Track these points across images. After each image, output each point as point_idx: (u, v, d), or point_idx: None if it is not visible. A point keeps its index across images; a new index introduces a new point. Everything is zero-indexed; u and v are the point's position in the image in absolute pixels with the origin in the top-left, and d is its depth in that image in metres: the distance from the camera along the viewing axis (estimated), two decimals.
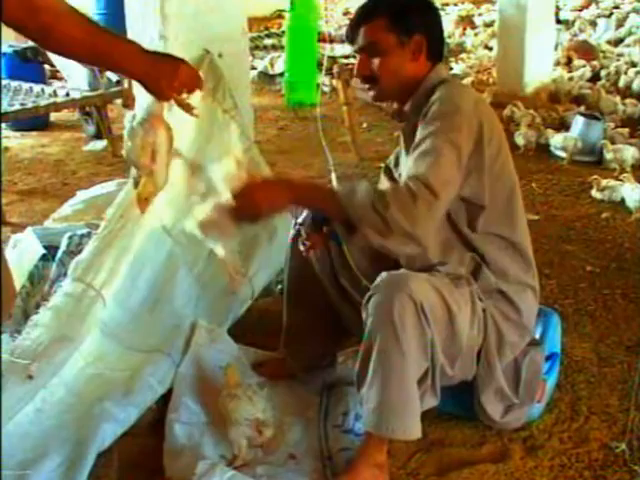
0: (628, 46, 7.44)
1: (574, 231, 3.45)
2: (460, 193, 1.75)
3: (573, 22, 9.22)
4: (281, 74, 6.45)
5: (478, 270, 1.84)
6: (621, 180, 3.73)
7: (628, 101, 5.41)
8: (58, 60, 5.08)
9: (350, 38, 1.91)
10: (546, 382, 2.04)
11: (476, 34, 8.98)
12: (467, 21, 9.80)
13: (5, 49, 5.15)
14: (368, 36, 1.84)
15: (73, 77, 4.82)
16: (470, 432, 2.00)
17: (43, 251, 2.52)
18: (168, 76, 1.57)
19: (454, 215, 1.81)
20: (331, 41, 5.39)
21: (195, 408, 2.01)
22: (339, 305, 2.08)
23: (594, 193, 3.81)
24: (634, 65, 6.55)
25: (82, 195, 3.29)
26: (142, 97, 1.73)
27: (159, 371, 2.08)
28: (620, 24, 8.87)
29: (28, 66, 5.13)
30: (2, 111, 3.19)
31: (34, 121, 5.22)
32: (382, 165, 2.19)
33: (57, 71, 5.75)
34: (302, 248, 1.99)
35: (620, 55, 7.11)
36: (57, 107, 3.72)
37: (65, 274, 2.18)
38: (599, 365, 2.31)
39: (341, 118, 4.83)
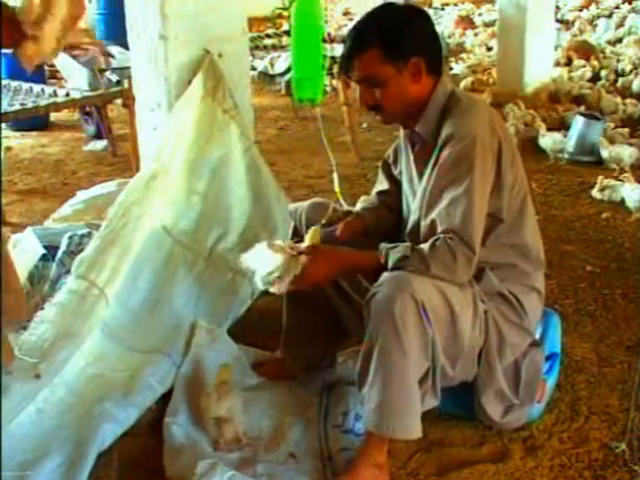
0: (628, 46, 7.44)
1: (574, 231, 3.45)
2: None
3: (573, 22, 9.23)
4: (281, 74, 6.45)
5: (481, 273, 1.84)
6: (621, 180, 3.73)
7: (628, 101, 5.41)
8: (58, 60, 5.08)
9: (345, 70, 1.87)
10: (546, 382, 2.04)
11: (476, 34, 8.98)
12: (467, 21, 9.80)
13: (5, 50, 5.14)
14: (364, 70, 1.80)
15: (73, 77, 4.82)
16: (470, 432, 2.00)
17: (43, 251, 2.52)
18: None
19: None
20: (331, 41, 5.39)
21: (193, 410, 2.01)
22: (339, 306, 2.08)
23: (594, 193, 3.81)
24: (635, 66, 6.56)
25: (82, 195, 3.29)
26: None
27: (159, 371, 2.08)
28: (620, 24, 8.88)
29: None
30: (2, 111, 3.18)
31: (34, 121, 5.22)
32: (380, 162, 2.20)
33: (57, 71, 5.74)
34: (339, 233, 2.01)
35: (618, 54, 7.11)
36: (57, 107, 3.71)
37: (65, 274, 2.18)
38: (599, 365, 2.31)
39: (341, 118, 4.83)
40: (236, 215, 2.57)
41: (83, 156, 4.97)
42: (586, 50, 7.12)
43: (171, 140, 2.37)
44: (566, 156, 4.49)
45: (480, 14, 10.69)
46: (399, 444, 1.87)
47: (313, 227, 1.92)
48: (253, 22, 8.27)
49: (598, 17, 9.68)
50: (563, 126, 5.01)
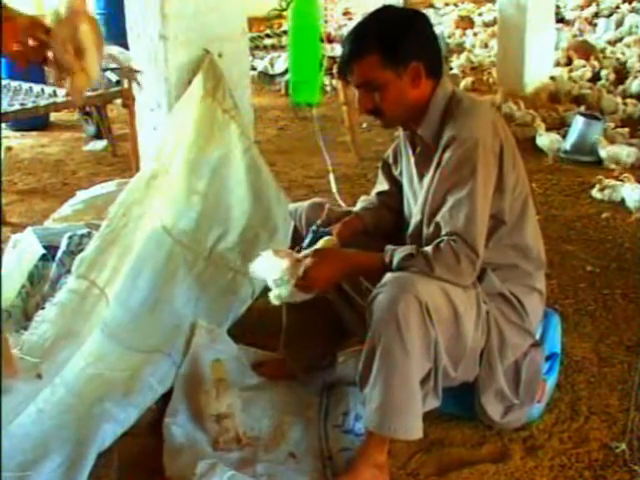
0: (629, 46, 7.44)
1: (574, 231, 3.45)
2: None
3: (573, 22, 9.24)
4: (281, 74, 6.45)
5: (482, 274, 1.84)
6: (621, 180, 3.73)
7: (628, 101, 5.41)
8: None
9: (344, 74, 1.86)
10: (546, 382, 2.04)
11: (475, 34, 8.98)
12: (467, 21, 9.80)
13: None
14: (363, 75, 1.79)
15: None
16: (470, 432, 2.00)
17: (43, 251, 2.52)
18: None
19: None
20: (331, 41, 5.40)
21: (193, 410, 2.01)
22: (339, 307, 2.08)
23: (594, 193, 3.81)
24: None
25: (82, 195, 3.29)
26: None
27: (159, 371, 2.08)
28: (620, 24, 8.88)
29: (28, 66, 5.13)
30: (2, 111, 3.18)
31: (34, 121, 5.22)
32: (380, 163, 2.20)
33: None
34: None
35: (616, 54, 7.12)
36: (57, 107, 3.70)
37: (65, 274, 2.18)
38: (599, 365, 2.31)
39: (341, 118, 4.83)
40: (236, 215, 2.57)
41: (83, 156, 4.97)
42: (586, 50, 7.12)
43: (171, 140, 2.37)
44: (565, 156, 4.49)
45: (480, 14, 10.68)
46: (399, 444, 1.87)
47: (326, 238, 1.93)
48: (253, 22, 8.27)
49: (598, 17, 9.69)
50: (563, 126, 5.01)
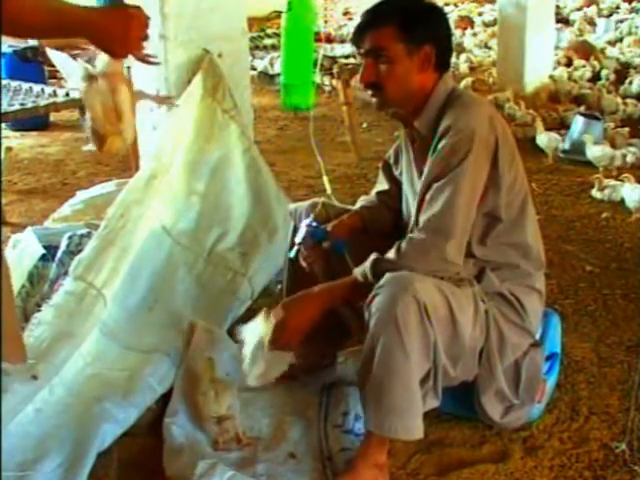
0: (629, 46, 7.45)
1: (574, 231, 3.45)
2: (481, 210, 1.78)
3: (573, 22, 9.24)
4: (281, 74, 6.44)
5: (482, 273, 1.84)
6: (621, 180, 3.73)
7: (628, 101, 5.42)
8: (58, 60, 5.07)
9: (356, 41, 1.86)
10: (546, 382, 2.04)
11: (475, 34, 8.98)
12: (467, 21, 9.80)
13: (5, 49, 5.14)
14: (376, 42, 1.79)
15: (73, 77, 4.82)
16: (470, 432, 2.00)
17: (43, 251, 2.52)
18: (120, 34, 1.50)
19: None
20: (331, 41, 5.39)
21: (192, 410, 2.00)
22: (339, 307, 2.07)
23: (594, 193, 3.82)
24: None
25: (82, 195, 3.29)
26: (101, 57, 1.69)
27: (159, 371, 2.08)
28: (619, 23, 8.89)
29: (28, 66, 5.13)
30: (2, 111, 3.18)
31: (34, 121, 5.21)
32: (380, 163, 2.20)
33: (57, 71, 5.75)
34: (304, 264, 2.00)
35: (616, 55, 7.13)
36: (57, 107, 3.70)
37: (65, 274, 2.18)
38: (599, 365, 2.31)
39: (341, 118, 4.83)
40: (236, 215, 2.56)
41: (83, 156, 4.96)
42: (586, 50, 7.12)
43: (171, 140, 2.37)
44: (565, 156, 4.49)
45: (479, 14, 10.68)
46: (399, 444, 1.87)
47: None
48: (253, 22, 8.26)
49: (598, 17, 9.69)
50: (563, 126, 5.01)
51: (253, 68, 6.23)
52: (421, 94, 1.82)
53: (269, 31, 8.07)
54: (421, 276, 1.70)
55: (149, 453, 1.91)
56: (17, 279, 2.46)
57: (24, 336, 1.86)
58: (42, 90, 3.62)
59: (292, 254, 2.06)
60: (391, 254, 1.74)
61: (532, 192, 3.85)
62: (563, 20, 9.28)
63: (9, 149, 4.95)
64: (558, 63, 6.82)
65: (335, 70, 4.68)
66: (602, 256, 3.15)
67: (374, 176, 3.97)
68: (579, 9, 10.36)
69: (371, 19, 1.82)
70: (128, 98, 1.65)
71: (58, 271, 2.43)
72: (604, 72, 6.47)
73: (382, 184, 2.15)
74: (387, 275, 1.72)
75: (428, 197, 1.74)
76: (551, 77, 6.15)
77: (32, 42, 5.40)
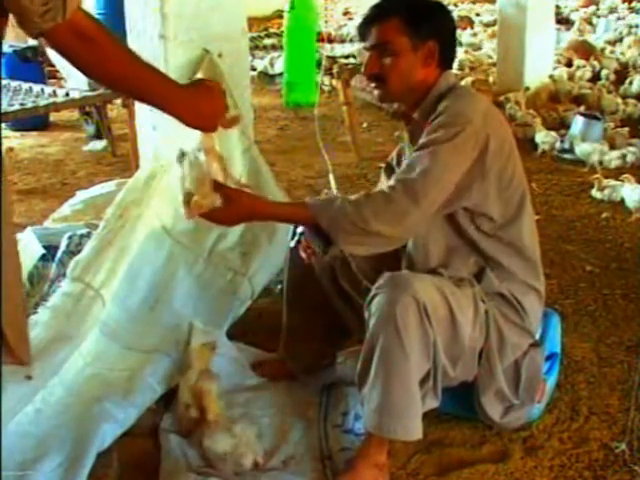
0: (630, 47, 7.44)
1: (574, 231, 3.45)
2: (464, 203, 1.77)
3: (573, 22, 9.24)
4: (281, 74, 6.45)
5: (481, 273, 1.84)
6: (621, 180, 3.74)
7: (628, 101, 5.42)
8: (58, 60, 5.08)
9: (362, 34, 1.87)
10: (546, 382, 2.04)
11: (475, 34, 8.98)
12: (467, 21, 9.81)
13: (5, 49, 5.14)
14: (381, 35, 1.81)
15: (73, 77, 4.82)
16: (470, 432, 2.00)
17: (43, 251, 2.52)
18: (209, 111, 1.53)
19: (462, 222, 1.81)
20: (331, 41, 5.39)
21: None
22: (339, 306, 2.08)
23: (594, 193, 3.82)
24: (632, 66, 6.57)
25: (82, 195, 3.29)
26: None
27: (159, 371, 2.08)
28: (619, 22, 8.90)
29: (28, 66, 5.13)
30: (2, 111, 3.18)
31: (34, 121, 5.22)
32: (382, 165, 2.19)
33: (57, 71, 5.75)
34: (304, 255, 2.00)
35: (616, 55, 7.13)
36: (57, 107, 3.71)
37: (65, 274, 2.18)
38: (599, 365, 2.31)
39: (341, 118, 4.83)
40: None
41: (83, 156, 4.97)
42: (586, 50, 7.12)
43: (170, 140, 2.37)
44: (565, 156, 4.50)
45: (478, 14, 10.68)
46: (399, 444, 1.87)
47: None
48: (253, 22, 8.26)
49: (598, 17, 9.70)
50: (563, 126, 5.01)
51: (253, 68, 6.24)
52: (423, 88, 1.83)
53: (270, 31, 8.08)
54: (421, 276, 1.70)
55: (149, 453, 1.90)
56: None
57: None
58: (42, 90, 3.63)
59: (292, 244, 2.07)
60: (353, 198, 1.69)
61: (532, 192, 3.88)
62: (563, 20, 9.29)
63: (10, 149, 4.95)
64: (558, 63, 6.82)
65: (335, 70, 4.68)
66: (602, 256, 3.15)
67: (374, 176, 3.97)
68: (577, 9, 10.37)
69: (377, 12, 1.83)
70: (220, 171, 1.70)
71: (58, 271, 2.43)
72: (604, 72, 6.47)
73: (384, 184, 2.15)
74: (387, 275, 1.72)
75: (407, 162, 1.73)
76: (551, 77, 6.15)
77: (32, 42, 5.40)
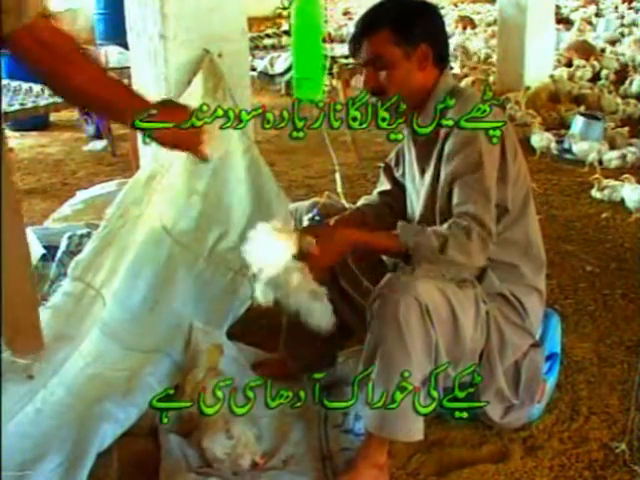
0: (630, 47, 7.45)
1: (574, 231, 3.45)
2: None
3: (573, 22, 9.25)
4: (281, 74, 6.45)
5: (483, 273, 1.84)
6: (621, 180, 3.74)
7: (629, 101, 5.42)
8: None
9: (353, 51, 1.87)
10: (546, 382, 2.04)
11: (475, 34, 8.99)
12: (467, 21, 9.82)
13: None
14: (372, 50, 1.81)
15: None
16: (470, 432, 2.00)
17: (43, 251, 2.52)
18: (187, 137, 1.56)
19: None
20: (331, 41, 5.39)
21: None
22: (339, 306, 2.07)
23: (594, 193, 3.82)
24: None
25: (82, 195, 3.29)
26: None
27: (159, 371, 2.08)
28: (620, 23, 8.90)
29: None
30: (2, 111, 3.19)
31: (34, 121, 5.22)
32: (382, 165, 2.19)
33: None
34: None
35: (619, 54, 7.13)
36: (57, 107, 3.70)
37: (65, 274, 2.18)
38: (599, 365, 2.31)
39: None
40: (236, 215, 2.56)
41: (83, 156, 4.97)
42: (586, 50, 7.12)
43: None
44: (565, 155, 4.50)
45: (478, 13, 10.69)
46: (399, 444, 1.87)
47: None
48: (253, 22, 8.26)
49: (598, 17, 9.70)
50: (563, 126, 5.01)
51: (253, 68, 6.23)
52: (423, 91, 1.83)
53: (269, 31, 8.07)
54: (423, 277, 1.70)
55: (149, 453, 1.90)
56: None
57: None
58: (42, 90, 3.62)
59: None
60: (435, 243, 1.69)
61: (532, 192, 3.89)
62: (563, 20, 9.29)
63: (11, 150, 4.95)
64: (558, 63, 6.82)
65: (335, 70, 4.68)
66: (602, 256, 3.15)
67: (374, 176, 3.97)
68: (577, 9, 10.37)
69: (364, 27, 1.83)
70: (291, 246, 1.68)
71: (58, 271, 2.43)
72: (604, 72, 6.47)
73: (384, 184, 2.15)
74: (389, 275, 1.72)
75: (458, 194, 1.73)
76: (551, 77, 6.15)
77: None
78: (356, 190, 3.85)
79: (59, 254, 2.47)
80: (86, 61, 1.35)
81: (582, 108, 5.24)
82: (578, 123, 4.62)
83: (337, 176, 3.43)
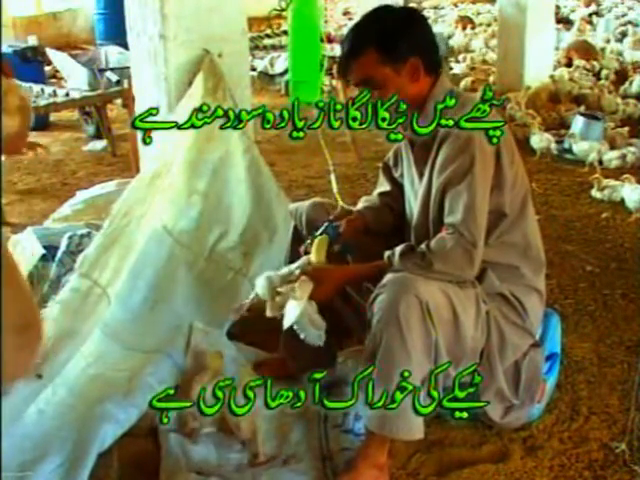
0: (629, 47, 7.44)
1: (574, 231, 3.45)
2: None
3: (573, 22, 9.25)
4: (281, 74, 6.45)
5: (483, 274, 1.84)
6: (621, 180, 3.74)
7: (629, 101, 5.42)
8: (58, 60, 5.08)
9: (343, 74, 1.87)
10: (546, 382, 2.04)
11: (475, 34, 8.99)
12: (467, 20, 9.81)
13: (5, 49, 5.15)
14: (361, 72, 1.80)
15: (73, 77, 4.82)
16: (470, 432, 2.00)
17: (43, 251, 2.52)
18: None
19: None
20: (331, 41, 5.39)
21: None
22: (339, 306, 2.08)
23: (594, 193, 3.82)
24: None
25: (82, 195, 3.29)
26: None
27: (159, 371, 2.08)
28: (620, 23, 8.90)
29: (28, 66, 5.14)
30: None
31: (34, 121, 5.21)
32: (381, 165, 2.19)
33: (57, 71, 5.75)
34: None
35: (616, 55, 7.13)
36: (57, 107, 3.72)
37: (65, 274, 2.18)
38: (599, 365, 2.31)
39: None
40: (236, 215, 2.57)
41: (83, 156, 4.97)
42: (586, 50, 7.12)
43: (172, 140, 2.37)
44: (565, 155, 4.50)
45: (478, 13, 10.69)
46: (399, 444, 1.87)
47: (319, 237, 1.92)
48: (253, 22, 8.26)
49: (598, 17, 9.70)
50: (563, 126, 5.01)
51: (253, 68, 6.24)
52: (419, 99, 1.83)
53: (269, 31, 8.08)
54: (424, 277, 1.70)
55: (150, 454, 1.90)
56: None
57: None
58: (42, 90, 3.63)
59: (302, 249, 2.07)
60: (421, 251, 1.74)
61: (532, 192, 3.88)
62: (563, 20, 9.29)
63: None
64: (558, 63, 6.82)
65: (335, 70, 4.67)
66: (602, 256, 3.15)
67: (374, 176, 3.97)
68: (576, 9, 10.37)
69: (350, 49, 1.81)
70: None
71: (58, 271, 2.43)
72: (604, 72, 6.47)
73: (383, 185, 2.15)
74: (389, 275, 1.72)
75: (447, 203, 1.75)
76: (551, 77, 6.15)
77: (32, 42, 5.40)
78: (356, 190, 3.85)
79: (59, 254, 2.47)
80: None
81: (582, 108, 5.24)
82: (578, 123, 4.62)
83: (332, 177, 3.43)
